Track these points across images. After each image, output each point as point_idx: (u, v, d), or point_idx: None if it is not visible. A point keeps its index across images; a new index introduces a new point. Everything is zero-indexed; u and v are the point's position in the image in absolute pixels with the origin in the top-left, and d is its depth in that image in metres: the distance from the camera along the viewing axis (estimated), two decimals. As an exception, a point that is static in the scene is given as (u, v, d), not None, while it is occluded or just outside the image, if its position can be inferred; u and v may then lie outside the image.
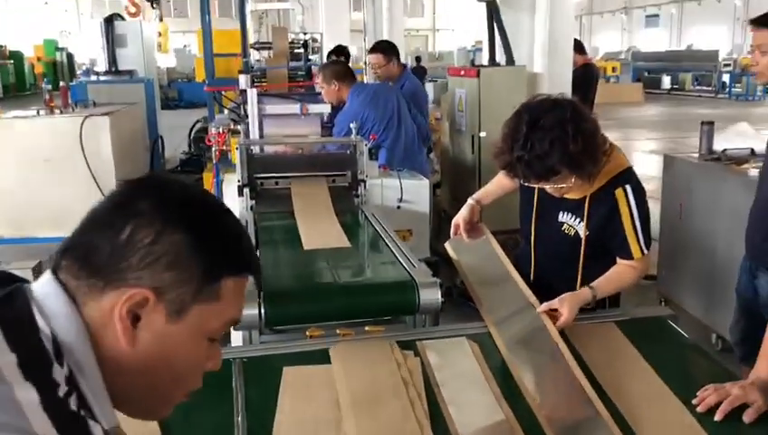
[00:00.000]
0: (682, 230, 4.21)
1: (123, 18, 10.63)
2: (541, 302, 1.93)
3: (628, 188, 2.02)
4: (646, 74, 25.93)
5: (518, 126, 1.89)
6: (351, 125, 3.20)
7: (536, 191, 2.18)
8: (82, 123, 5.68)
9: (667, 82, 25.79)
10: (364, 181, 3.11)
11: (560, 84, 5.75)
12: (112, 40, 10.04)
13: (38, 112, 6.06)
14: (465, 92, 5.54)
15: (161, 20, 8.54)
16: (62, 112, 6.03)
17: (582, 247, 2.11)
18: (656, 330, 2.05)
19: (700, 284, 4.02)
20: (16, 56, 29.13)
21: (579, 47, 6.36)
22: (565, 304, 1.87)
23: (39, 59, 31.07)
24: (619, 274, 2.06)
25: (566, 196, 2.10)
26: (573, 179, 1.94)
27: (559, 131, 1.85)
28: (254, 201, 3.02)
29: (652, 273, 4.86)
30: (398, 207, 3.20)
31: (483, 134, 5.37)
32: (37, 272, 5.35)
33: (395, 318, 2.18)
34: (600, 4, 39.32)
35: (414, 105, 4.48)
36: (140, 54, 10.05)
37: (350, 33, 14.18)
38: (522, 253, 2.30)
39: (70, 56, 31.86)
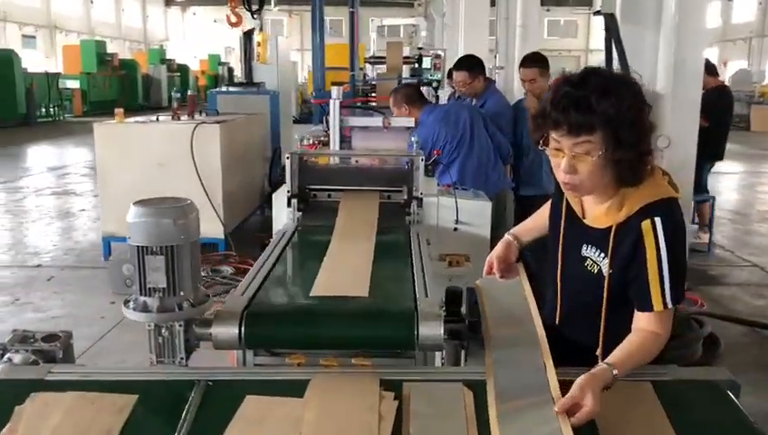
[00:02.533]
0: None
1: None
2: (555, 356, 1.64)
3: (657, 221, 1.66)
4: (823, 103, 23.37)
5: (576, 72, 1.66)
6: (412, 138, 3.01)
7: (563, 220, 1.88)
8: (194, 130, 5.87)
9: None
10: (419, 199, 2.89)
11: (686, 106, 5.20)
12: (250, 53, 10.48)
13: (157, 119, 6.36)
14: (574, 111, 5.15)
15: (261, 30, 8.74)
16: (179, 119, 6.28)
17: (605, 290, 1.77)
18: (706, 399, 1.66)
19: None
20: (183, 69, 31.55)
21: (710, 69, 5.76)
22: (587, 393, 1.49)
23: (203, 72, 33.46)
24: (642, 345, 1.67)
25: (592, 224, 1.80)
26: (597, 157, 1.61)
27: (620, 86, 1.62)
28: (300, 213, 2.89)
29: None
30: (455, 229, 2.94)
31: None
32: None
33: (404, 352, 1.96)
34: (774, 25, 36.01)
35: (495, 123, 4.22)
36: (275, 68, 10.42)
37: (490, 52, 13.89)
38: (549, 296, 1.99)
39: (230, 70, 34.05)
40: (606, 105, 1.57)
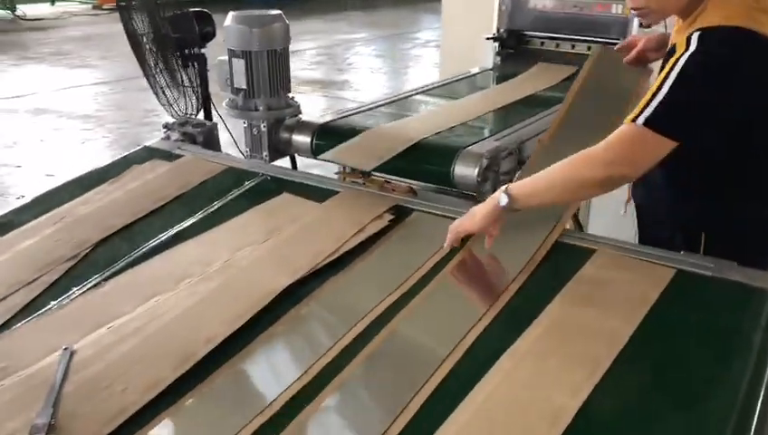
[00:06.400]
0: None
1: None
2: None
3: (693, 43, 1.33)
4: None
5: None
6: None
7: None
8: None
9: None
10: (625, 53, 2.53)
11: None
12: None
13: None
14: None
15: None
16: None
17: None
18: (729, 300, 1.31)
19: None
20: None
21: None
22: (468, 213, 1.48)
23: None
24: (563, 162, 1.36)
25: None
26: None
27: None
28: (499, 57, 2.81)
29: None
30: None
31: None
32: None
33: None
34: None
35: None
36: None
37: None
38: None
39: None
40: None
